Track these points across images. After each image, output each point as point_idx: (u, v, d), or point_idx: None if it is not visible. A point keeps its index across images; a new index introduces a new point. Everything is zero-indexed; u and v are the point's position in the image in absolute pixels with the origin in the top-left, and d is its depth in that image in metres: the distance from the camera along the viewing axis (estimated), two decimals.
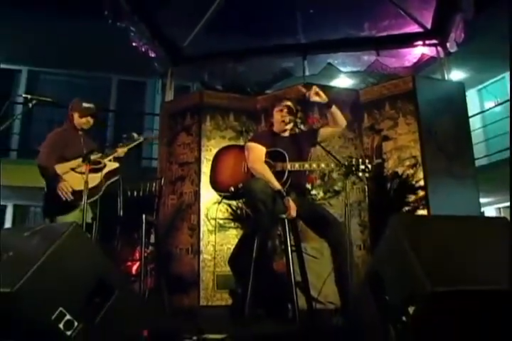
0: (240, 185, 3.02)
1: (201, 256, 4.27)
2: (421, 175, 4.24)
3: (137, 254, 4.40)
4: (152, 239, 3.93)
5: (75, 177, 3.12)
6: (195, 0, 5.28)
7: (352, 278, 2.72)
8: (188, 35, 5.41)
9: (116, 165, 3.33)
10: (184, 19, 5.31)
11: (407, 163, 4.34)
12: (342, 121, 3.20)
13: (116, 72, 10.05)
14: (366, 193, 4.42)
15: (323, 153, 3.50)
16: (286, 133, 3.23)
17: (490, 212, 10.51)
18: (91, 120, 3.44)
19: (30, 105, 2.88)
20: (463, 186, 4.36)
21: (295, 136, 3.22)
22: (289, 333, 2.46)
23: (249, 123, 4.81)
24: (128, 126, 8.99)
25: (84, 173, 3.02)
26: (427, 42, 5.17)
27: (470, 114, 5.34)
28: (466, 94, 4.87)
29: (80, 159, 3.13)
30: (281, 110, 3.18)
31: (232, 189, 3.04)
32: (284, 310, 3.05)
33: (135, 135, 3.47)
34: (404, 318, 1.68)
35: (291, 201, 2.94)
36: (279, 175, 2.97)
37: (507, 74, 9.11)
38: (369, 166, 2.79)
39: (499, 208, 10.49)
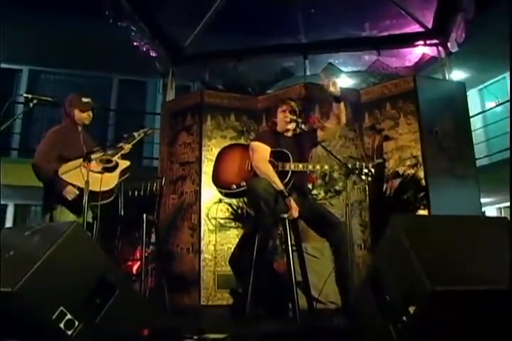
0: (243, 183, 3.02)
1: (202, 256, 4.27)
2: (422, 175, 4.25)
3: (138, 254, 4.41)
4: (153, 239, 3.93)
5: (91, 178, 3.06)
6: (196, 0, 5.29)
7: (353, 278, 2.72)
8: (188, 35, 5.42)
9: (127, 163, 3.31)
10: (185, 19, 5.31)
11: (408, 162, 4.34)
12: (344, 119, 3.20)
13: (117, 72, 10.04)
14: (367, 193, 4.43)
15: (324, 153, 3.50)
16: (289, 133, 3.23)
17: (491, 211, 10.51)
18: (91, 114, 3.43)
19: (31, 105, 2.87)
20: (464, 186, 4.36)
21: (297, 136, 3.23)
22: (289, 333, 2.46)
23: (250, 122, 4.81)
24: (129, 126, 8.98)
25: (100, 172, 3.04)
26: (428, 42, 5.18)
27: (471, 114, 5.34)
28: (467, 94, 4.88)
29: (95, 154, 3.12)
30: (285, 110, 3.18)
31: (235, 186, 3.04)
32: (285, 310, 3.05)
33: (135, 134, 3.46)
34: (404, 318, 1.68)
35: (292, 201, 2.94)
36: (281, 175, 2.98)
37: (508, 74, 9.10)
38: (372, 170, 2.80)
39: (500, 208, 10.48)
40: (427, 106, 4.42)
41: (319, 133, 3.20)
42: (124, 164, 3.29)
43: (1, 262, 1.87)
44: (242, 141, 4.56)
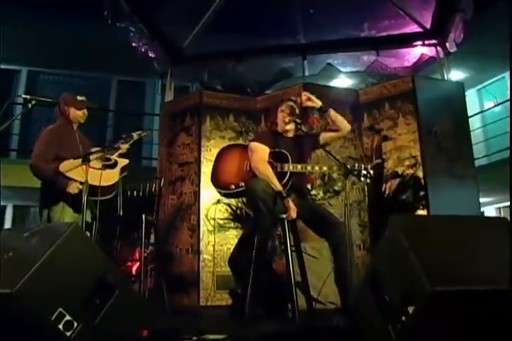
0: (241, 184, 3.02)
1: (201, 256, 4.27)
2: (421, 175, 4.25)
3: (137, 254, 4.42)
4: (152, 239, 3.93)
5: (92, 173, 3.07)
6: (195, 0, 5.28)
7: (352, 278, 2.72)
8: (187, 36, 5.42)
9: (126, 161, 3.32)
10: (184, 19, 5.31)
11: (407, 162, 4.34)
12: (344, 125, 3.17)
13: (116, 73, 10.04)
14: (366, 193, 4.43)
15: (323, 154, 3.50)
16: (289, 134, 3.23)
17: (490, 211, 10.52)
18: (86, 112, 3.44)
19: (30, 105, 2.86)
20: (463, 186, 4.36)
21: (297, 138, 3.23)
22: (289, 333, 2.46)
23: (249, 123, 4.81)
24: (128, 127, 8.96)
25: (101, 169, 3.04)
26: (427, 42, 5.18)
27: (470, 114, 5.34)
28: (466, 94, 4.88)
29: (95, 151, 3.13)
30: (284, 110, 3.19)
31: (233, 186, 3.05)
32: (284, 310, 3.05)
33: (134, 134, 3.46)
34: (403, 318, 1.68)
35: (291, 202, 2.94)
36: (280, 175, 2.98)
37: (506, 74, 9.11)
38: (371, 172, 2.81)
39: (499, 208, 10.49)
40: (425, 107, 4.42)
41: (321, 137, 3.20)
42: (124, 162, 3.30)
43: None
44: (241, 142, 4.56)
